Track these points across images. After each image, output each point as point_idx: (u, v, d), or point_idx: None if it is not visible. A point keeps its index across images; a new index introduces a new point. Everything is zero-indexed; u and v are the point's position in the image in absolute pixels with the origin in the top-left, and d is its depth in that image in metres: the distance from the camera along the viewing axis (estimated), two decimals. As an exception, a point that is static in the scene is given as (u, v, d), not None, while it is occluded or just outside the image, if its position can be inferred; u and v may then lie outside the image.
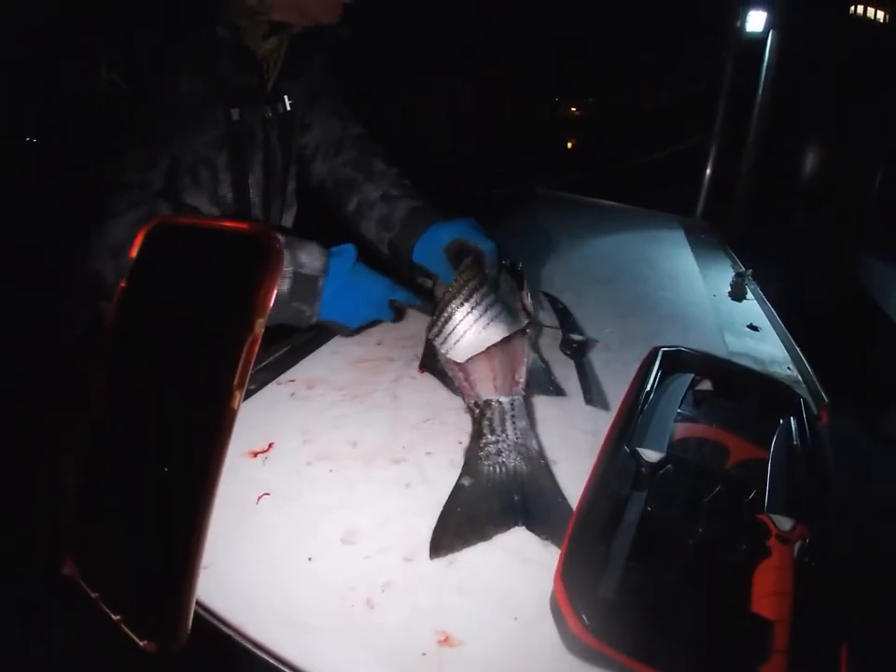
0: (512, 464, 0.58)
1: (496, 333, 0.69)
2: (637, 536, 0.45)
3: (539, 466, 0.58)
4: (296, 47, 0.85)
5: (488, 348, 0.69)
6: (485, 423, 0.62)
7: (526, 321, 0.76)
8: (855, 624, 0.42)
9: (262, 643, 0.42)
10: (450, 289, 0.73)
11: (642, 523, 0.46)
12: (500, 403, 0.64)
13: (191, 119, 0.75)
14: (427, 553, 0.49)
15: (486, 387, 0.67)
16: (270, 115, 0.87)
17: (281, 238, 0.69)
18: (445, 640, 0.42)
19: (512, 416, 0.63)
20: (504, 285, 0.82)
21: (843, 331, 1.73)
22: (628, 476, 0.51)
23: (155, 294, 0.41)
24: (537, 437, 0.63)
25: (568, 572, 0.42)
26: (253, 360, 0.33)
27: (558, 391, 0.74)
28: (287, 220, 0.98)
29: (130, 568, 0.38)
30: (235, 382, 0.33)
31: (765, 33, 1.85)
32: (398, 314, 0.80)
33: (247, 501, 0.53)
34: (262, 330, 0.33)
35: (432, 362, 0.74)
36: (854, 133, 2.81)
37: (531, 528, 0.52)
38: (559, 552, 0.45)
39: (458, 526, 0.51)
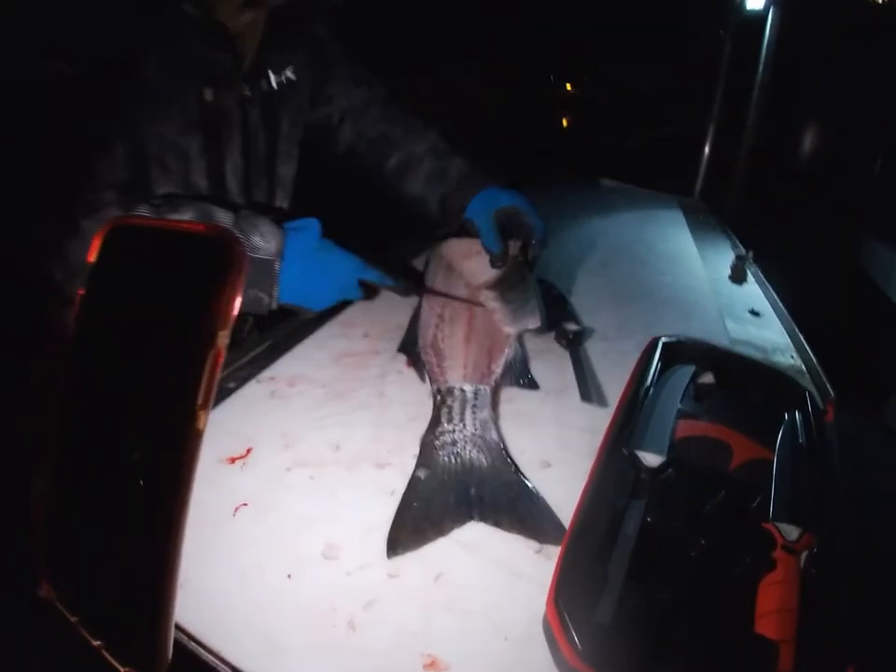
0: (468, 455, 0.55)
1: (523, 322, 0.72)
2: (635, 551, 0.42)
3: (500, 458, 0.56)
4: (279, 19, 0.80)
5: (469, 336, 0.69)
6: (444, 410, 0.60)
7: (538, 323, 0.74)
8: (861, 644, 0.39)
9: (238, 666, 0.40)
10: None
11: (640, 536, 0.43)
12: (463, 392, 0.62)
13: (157, 103, 0.70)
14: (413, 567, 0.46)
15: (455, 374, 0.64)
16: (248, 93, 0.81)
17: (242, 233, 0.65)
18: (432, 664, 0.39)
19: (473, 406, 0.61)
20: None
21: (844, 316, 1.71)
22: (626, 483, 0.48)
23: (114, 302, 0.37)
24: (499, 430, 0.60)
25: (562, 596, 0.39)
26: (218, 376, 0.30)
27: (531, 385, 0.70)
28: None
29: (106, 593, 0.35)
30: (199, 401, 0.29)
31: (766, 10, 1.79)
32: (371, 294, 0.75)
33: (224, 512, 0.50)
34: (227, 342, 0.30)
35: (412, 346, 0.72)
36: (855, 114, 2.75)
37: (491, 523, 0.50)
38: (552, 569, 0.42)
39: (415, 522, 0.49)
